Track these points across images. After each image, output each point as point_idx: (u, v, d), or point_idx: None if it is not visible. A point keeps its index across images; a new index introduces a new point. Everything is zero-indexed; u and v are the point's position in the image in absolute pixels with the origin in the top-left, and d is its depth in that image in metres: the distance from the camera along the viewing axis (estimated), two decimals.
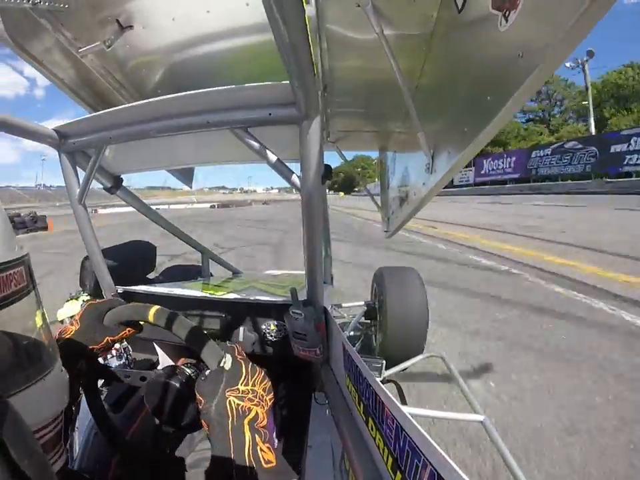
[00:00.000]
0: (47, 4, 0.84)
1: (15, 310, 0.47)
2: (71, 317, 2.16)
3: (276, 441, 1.14)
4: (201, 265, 2.75)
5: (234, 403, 0.64)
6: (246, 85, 0.88)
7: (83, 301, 2.20)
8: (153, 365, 1.45)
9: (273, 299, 1.45)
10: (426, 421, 1.99)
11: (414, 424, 0.56)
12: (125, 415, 1.21)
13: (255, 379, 0.71)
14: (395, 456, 0.61)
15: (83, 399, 0.84)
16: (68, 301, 2.43)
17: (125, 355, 1.56)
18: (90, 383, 0.82)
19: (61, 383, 0.56)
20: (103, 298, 1.45)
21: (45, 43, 1.09)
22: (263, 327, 1.26)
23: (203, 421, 0.66)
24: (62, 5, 0.88)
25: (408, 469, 0.56)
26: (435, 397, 2.31)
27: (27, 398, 0.46)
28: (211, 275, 2.80)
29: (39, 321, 0.52)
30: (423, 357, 2.19)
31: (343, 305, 2.98)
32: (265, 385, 0.72)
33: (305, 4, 0.57)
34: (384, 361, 1.91)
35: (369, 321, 2.79)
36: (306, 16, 0.58)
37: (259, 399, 0.68)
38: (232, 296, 1.54)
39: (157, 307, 0.75)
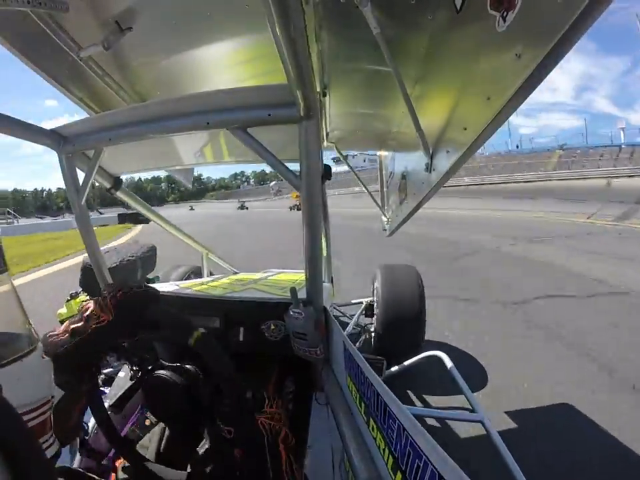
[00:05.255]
0: (45, 7, 0.84)
1: None
2: (71, 317, 2.16)
3: None
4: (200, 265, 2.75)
5: (266, 423, 0.69)
6: (245, 85, 0.88)
7: (82, 301, 2.21)
8: (154, 364, 1.45)
9: (273, 299, 1.45)
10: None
11: (416, 424, 0.56)
12: (126, 415, 1.21)
13: (276, 402, 0.76)
14: (396, 456, 0.62)
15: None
16: (68, 301, 2.43)
17: (125, 355, 1.56)
18: (91, 386, 0.82)
19: (43, 369, 0.54)
20: None
21: (44, 45, 1.08)
22: (263, 327, 1.26)
23: (235, 450, 0.69)
24: (61, 8, 0.88)
25: (409, 469, 0.56)
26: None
27: (3, 376, 0.44)
28: (211, 274, 2.81)
29: (11, 305, 0.52)
30: (423, 356, 2.19)
31: (344, 303, 2.99)
32: (283, 408, 0.77)
33: (304, 5, 0.57)
34: (385, 361, 1.91)
35: (368, 319, 2.80)
36: (305, 17, 0.58)
37: (284, 419, 0.74)
38: (232, 295, 1.54)
39: (201, 331, 0.74)
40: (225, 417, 0.70)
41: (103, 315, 0.74)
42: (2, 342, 0.49)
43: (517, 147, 35.14)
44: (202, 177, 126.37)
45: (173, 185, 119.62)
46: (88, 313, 0.76)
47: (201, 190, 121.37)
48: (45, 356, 0.56)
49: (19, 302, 0.53)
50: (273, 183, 55.30)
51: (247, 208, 34.46)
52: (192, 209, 47.05)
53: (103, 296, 0.78)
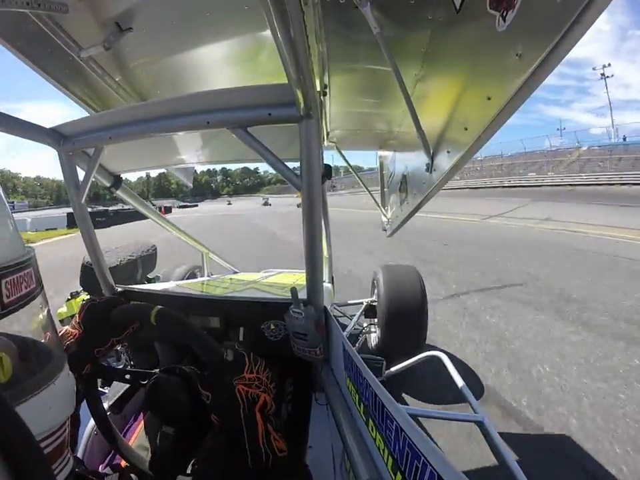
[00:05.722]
0: (45, 8, 0.84)
1: (25, 313, 0.45)
2: (71, 316, 2.17)
3: None
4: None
5: (243, 390, 0.65)
6: (245, 85, 0.88)
7: (83, 300, 2.21)
8: (154, 365, 1.45)
9: (273, 299, 1.45)
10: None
11: (413, 425, 0.56)
12: (126, 415, 1.21)
13: (258, 366, 0.71)
14: (395, 457, 0.61)
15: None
16: (68, 300, 2.44)
17: (125, 356, 1.56)
18: (90, 386, 0.82)
19: (69, 387, 0.54)
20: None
21: (45, 46, 1.09)
22: (263, 326, 1.26)
23: (212, 415, 0.66)
24: (60, 9, 0.88)
25: (408, 470, 0.56)
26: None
27: (36, 404, 0.44)
28: (211, 274, 2.81)
29: (47, 324, 0.51)
30: (423, 356, 2.19)
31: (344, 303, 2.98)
32: (267, 373, 0.73)
33: (303, 5, 0.57)
34: (384, 361, 1.91)
35: (368, 320, 2.79)
36: (305, 17, 0.58)
37: (265, 386, 0.69)
38: (232, 295, 1.54)
39: (158, 307, 0.75)
40: (202, 380, 0.69)
41: (74, 332, 0.79)
42: (36, 368, 0.48)
43: (624, 139, 28.32)
44: (258, 171, 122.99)
45: (229, 178, 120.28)
46: (62, 332, 0.80)
47: (256, 184, 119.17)
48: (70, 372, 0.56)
49: (51, 320, 0.53)
50: None
51: (270, 204, 40.73)
52: (230, 203, 56.63)
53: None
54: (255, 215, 21.83)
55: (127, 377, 0.87)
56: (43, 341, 0.50)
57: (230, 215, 22.87)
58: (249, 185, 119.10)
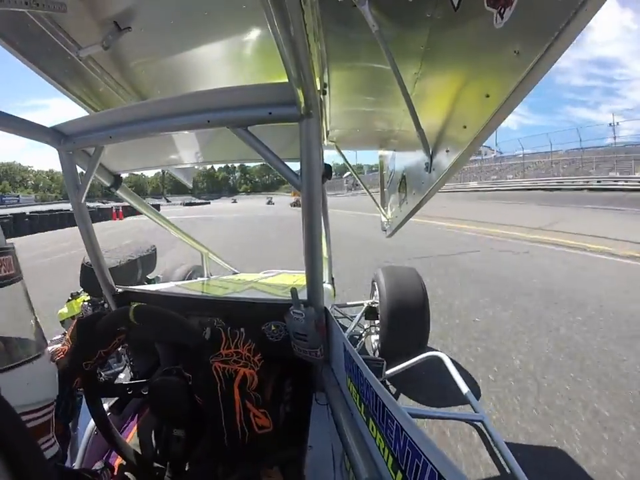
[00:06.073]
0: (43, 8, 0.84)
1: (3, 295, 0.51)
2: (72, 317, 2.17)
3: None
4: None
5: (219, 367, 0.64)
6: (246, 84, 0.88)
7: (84, 300, 2.21)
8: (154, 365, 1.45)
9: (274, 299, 1.45)
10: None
11: (414, 424, 0.56)
12: (125, 416, 1.21)
13: (237, 341, 0.70)
14: (396, 456, 0.61)
15: (84, 400, 0.85)
16: (69, 301, 2.43)
17: (125, 358, 1.56)
18: (90, 394, 0.83)
19: (49, 371, 0.58)
20: (103, 298, 1.45)
21: (44, 46, 1.09)
22: (264, 327, 1.25)
23: (196, 397, 0.66)
24: (59, 9, 0.88)
25: (408, 469, 0.56)
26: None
27: (13, 377, 0.49)
28: (211, 275, 2.81)
29: (25, 310, 0.56)
30: (423, 356, 2.19)
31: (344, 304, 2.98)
32: (248, 346, 0.72)
33: (302, 4, 0.57)
34: (385, 362, 1.91)
35: (369, 322, 2.78)
36: (304, 16, 0.58)
37: (245, 359, 0.68)
38: (232, 296, 1.54)
39: (134, 305, 0.74)
40: (184, 363, 0.69)
41: (63, 348, 0.82)
42: (15, 345, 0.54)
43: None
44: None
45: (247, 175, 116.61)
46: (53, 349, 0.83)
47: (275, 182, 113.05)
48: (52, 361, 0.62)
49: (31, 308, 0.58)
50: (347, 174, 48.12)
51: (273, 203, 41.53)
52: (234, 201, 58.05)
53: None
54: (232, 219, 18.85)
55: (128, 389, 0.89)
56: (20, 324, 0.56)
57: (207, 218, 19.94)
58: (267, 182, 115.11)
